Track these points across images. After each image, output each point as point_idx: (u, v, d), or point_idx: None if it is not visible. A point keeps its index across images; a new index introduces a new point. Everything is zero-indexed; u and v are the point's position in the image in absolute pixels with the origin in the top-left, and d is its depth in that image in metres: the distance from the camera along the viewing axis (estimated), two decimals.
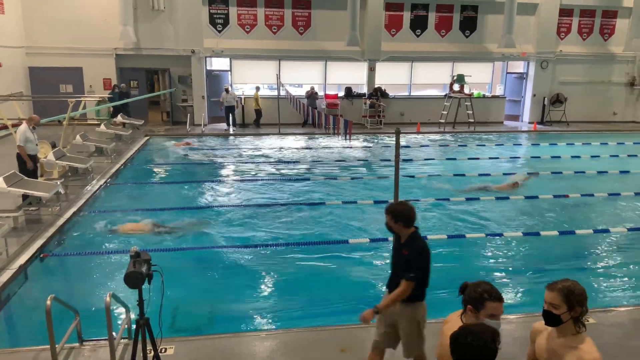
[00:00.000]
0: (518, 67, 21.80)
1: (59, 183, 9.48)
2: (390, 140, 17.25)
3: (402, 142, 16.76)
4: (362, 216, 9.39)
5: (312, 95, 19.37)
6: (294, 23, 19.46)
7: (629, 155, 14.84)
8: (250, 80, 20.39)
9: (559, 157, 14.53)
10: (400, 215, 3.89)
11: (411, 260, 3.83)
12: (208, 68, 19.76)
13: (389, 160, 12.63)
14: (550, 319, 2.74)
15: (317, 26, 19.55)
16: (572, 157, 14.44)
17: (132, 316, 4.84)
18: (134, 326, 4.14)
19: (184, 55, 18.83)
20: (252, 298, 6.41)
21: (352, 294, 6.40)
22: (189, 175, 12.54)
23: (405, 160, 13.99)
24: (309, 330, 5.35)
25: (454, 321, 2.93)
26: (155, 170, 13.34)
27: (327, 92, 20.29)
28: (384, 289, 4.10)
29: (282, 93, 18.83)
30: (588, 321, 5.30)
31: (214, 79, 19.89)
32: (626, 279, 7.14)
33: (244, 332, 5.46)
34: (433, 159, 14.57)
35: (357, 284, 6.72)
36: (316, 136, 17.89)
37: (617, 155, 14.70)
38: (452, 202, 10.18)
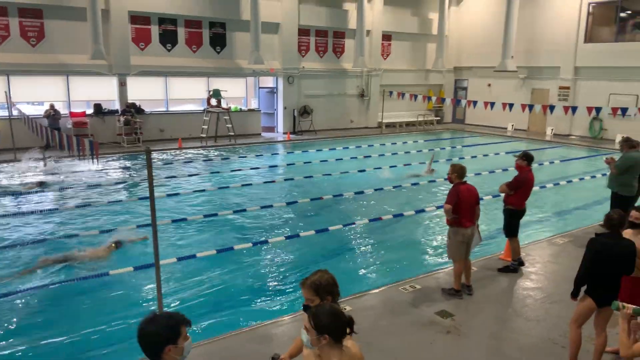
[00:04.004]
0: (269, 82, 23.25)
1: None
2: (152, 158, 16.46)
3: (164, 158, 16.33)
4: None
5: (53, 115, 17.12)
6: (22, 34, 16.98)
7: (365, 157, 17.26)
8: None
9: (310, 162, 15.98)
10: None
11: None
12: None
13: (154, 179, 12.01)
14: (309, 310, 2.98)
15: (53, 38, 17.44)
16: (321, 161, 16.04)
17: None
18: None
19: None
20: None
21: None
22: None
23: (168, 178, 13.55)
24: None
25: None
26: None
27: (72, 110, 18.27)
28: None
29: (15, 113, 16.21)
30: (346, 309, 5.88)
31: None
32: (373, 264, 8.21)
33: None
34: (198, 174, 14.45)
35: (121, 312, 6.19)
36: (62, 160, 15.93)
37: (356, 157, 16.92)
38: (221, 216, 10.24)
